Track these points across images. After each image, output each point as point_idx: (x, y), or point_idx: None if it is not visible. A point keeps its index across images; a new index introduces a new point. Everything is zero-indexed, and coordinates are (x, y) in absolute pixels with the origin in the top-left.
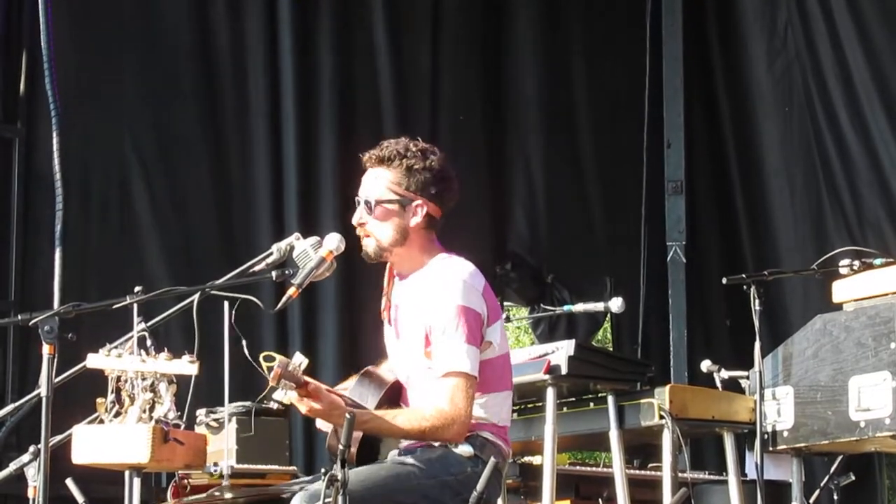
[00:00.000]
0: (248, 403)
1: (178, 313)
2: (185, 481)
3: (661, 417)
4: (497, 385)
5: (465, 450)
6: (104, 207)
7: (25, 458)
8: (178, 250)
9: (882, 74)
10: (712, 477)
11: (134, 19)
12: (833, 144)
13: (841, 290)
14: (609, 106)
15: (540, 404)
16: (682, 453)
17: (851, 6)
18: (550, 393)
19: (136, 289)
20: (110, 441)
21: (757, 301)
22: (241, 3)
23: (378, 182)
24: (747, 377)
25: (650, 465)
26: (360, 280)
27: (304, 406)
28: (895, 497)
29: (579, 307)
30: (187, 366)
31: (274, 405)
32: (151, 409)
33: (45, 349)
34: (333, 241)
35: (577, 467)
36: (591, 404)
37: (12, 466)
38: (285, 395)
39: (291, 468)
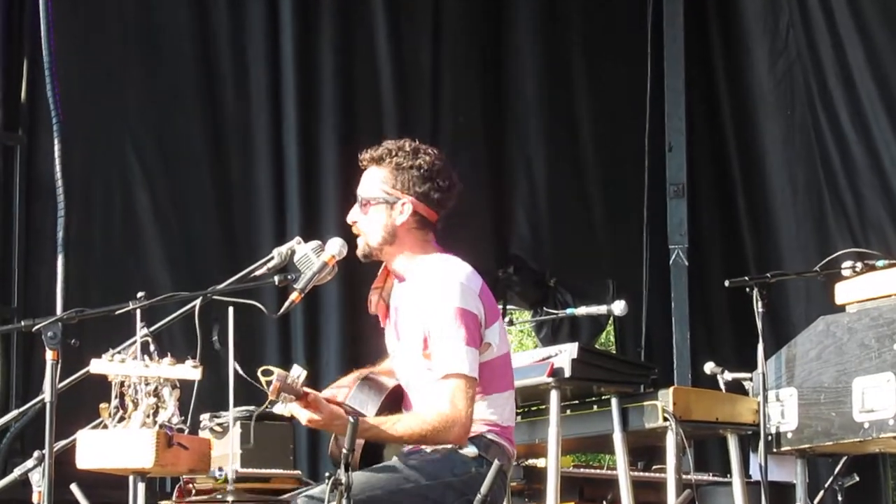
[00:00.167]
0: (251, 408)
1: (180, 318)
2: (190, 486)
3: (665, 419)
4: (499, 385)
5: (469, 450)
6: (106, 214)
7: (30, 463)
8: (181, 255)
9: (883, 75)
10: (716, 479)
11: (134, 25)
12: (835, 146)
13: (844, 292)
14: (611, 108)
15: (543, 407)
16: (685, 455)
17: (853, 7)
18: (554, 396)
19: (139, 294)
20: (114, 446)
21: (760, 303)
22: (243, 7)
23: (370, 181)
24: (751, 379)
25: (654, 467)
26: (362, 283)
27: (303, 418)
28: None
29: (582, 310)
30: (190, 370)
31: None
32: (155, 413)
33: (49, 355)
34: (335, 246)
35: (582, 470)
36: (595, 407)
37: (17, 472)
38: (285, 408)
39: (296, 472)
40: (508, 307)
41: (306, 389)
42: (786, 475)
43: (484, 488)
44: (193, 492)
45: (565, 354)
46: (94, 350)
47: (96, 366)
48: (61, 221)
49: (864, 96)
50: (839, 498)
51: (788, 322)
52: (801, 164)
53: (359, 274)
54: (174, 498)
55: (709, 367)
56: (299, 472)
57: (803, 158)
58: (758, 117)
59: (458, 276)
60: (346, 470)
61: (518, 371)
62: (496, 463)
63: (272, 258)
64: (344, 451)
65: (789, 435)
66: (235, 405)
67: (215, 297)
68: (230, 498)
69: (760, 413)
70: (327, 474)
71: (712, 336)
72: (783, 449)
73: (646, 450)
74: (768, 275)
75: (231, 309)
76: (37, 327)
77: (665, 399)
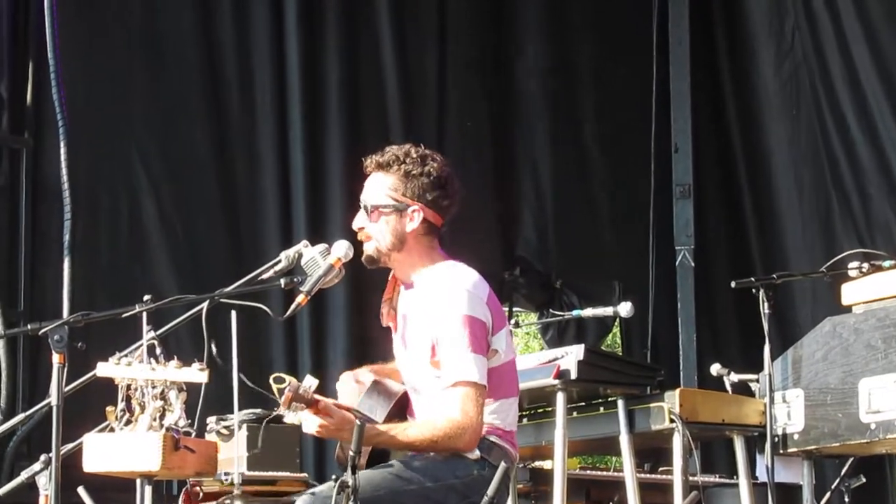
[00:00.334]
0: (258, 411)
1: (187, 321)
2: (197, 489)
3: (672, 421)
4: (505, 391)
5: (471, 453)
6: (112, 217)
7: (37, 466)
8: (187, 259)
9: (889, 76)
10: (723, 480)
11: (140, 30)
12: (841, 147)
13: (850, 293)
14: (616, 110)
15: (550, 409)
16: (692, 457)
17: (859, 9)
18: (560, 398)
19: (145, 297)
20: (121, 449)
21: (766, 304)
22: (248, 13)
23: (376, 187)
24: (757, 380)
25: (661, 468)
26: (368, 286)
27: (313, 425)
28: None
29: (588, 312)
30: (197, 374)
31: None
32: (162, 417)
33: (55, 358)
34: (342, 249)
35: (588, 471)
36: (602, 409)
37: (23, 475)
38: (296, 417)
39: (302, 475)
40: (514, 309)
41: (317, 397)
42: (792, 476)
43: (490, 490)
44: (200, 495)
45: (571, 356)
46: (100, 353)
47: (103, 369)
48: (67, 224)
49: (871, 97)
50: (846, 499)
51: (795, 323)
52: (807, 165)
53: (365, 277)
54: (181, 501)
55: (715, 368)
56: (306, 475)
57: (809, 159)
58: (764, 119)
59: (466, 283)
60: (353, 473)
61: (524, 373)
62: (502, 465)
63: (279, 261)
64: (351, 453)
65: (796, 436)
66: (242, 408)
67: (222, 300)
68: (238, 502)
69: (767, 414)
70: (334, 477)
71: (718, 337)
72: (790, 450)
73: (652, 451)
74: (774, 276)
75: (234, 314)
76: (43, 331)
77: (671, 401)
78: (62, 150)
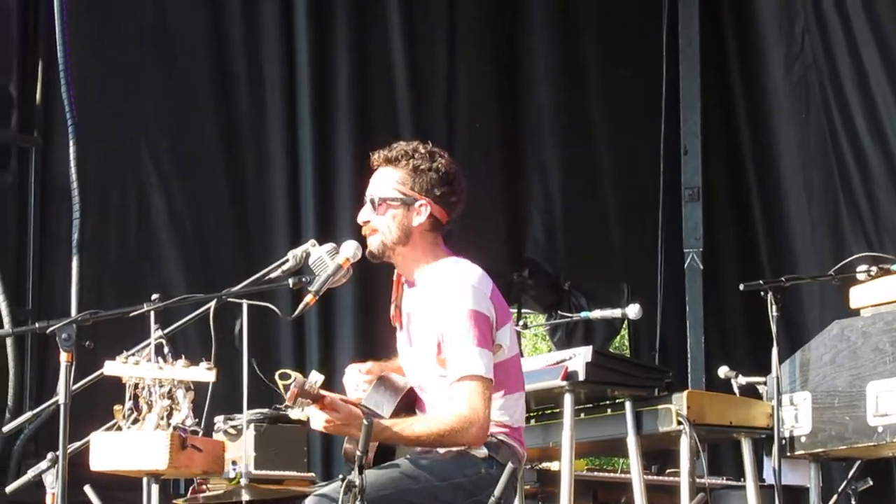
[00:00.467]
0: (265, 410)
1: (195, 320)
2: (204, 487)
3: (679, 423)
4: (511, 387)
5: (479, 451)
6: (121, 216)
7: (44, 465)
8: (195, 258)
9: None
10: (730, 482)
11: (150, 27)
12: (850, 150)
13: (858, 296)
14: (626, 112)
15: (557, 410)
16: (699, 459)
17: (868, 12)
18: (568, 399)
19: (153, 296)
20: (128, 448)
21: (774, 307)
22: (258, 11)
23: (384, 181)
24: (765, 383)
25: (668, 470)
26: (376, 284)
27: (320, 421)
28: None
29: (596, 314)
30: (204, 373)
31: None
32: (169, 415)
33: (63, 357)
34: (350, 249)
35: (595, 473)
36: (609, 410)
37: (31, 473)
38: (302, 412)
39: (310, 474)
40: (523, 311)
41: (323, 392)
42: (799, 479)
43: (498, 490)
44: (207, 493)
45: (579, 358)
46: (108, 352)
47: (110, 368)
48: (76, 223)
49: (880, 100)
50: (853, 502)
51: (803, 326)
52: (816, 168)
53: (373, 276)
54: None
55: (723, 370)
56: (313, 474)
57: (818, 162)
58: (773, 121)
59: (470, 278)
60: (360, 472)
61: (532, 374)
62: (509, 466)
63: (287, 260)
64: (358, 452)
65: (803, 439)
66: (249, 407)
67: (230, 299)
68: (245, 497)
69: (774, 417)
70: (340, 476)
71: (726, 340)
72: (797, 453)
73: (659, 453)
74: (783, 279)
75: (245, 310)
76: (51, 329)
77: (679, 403)
78: (71, 149)
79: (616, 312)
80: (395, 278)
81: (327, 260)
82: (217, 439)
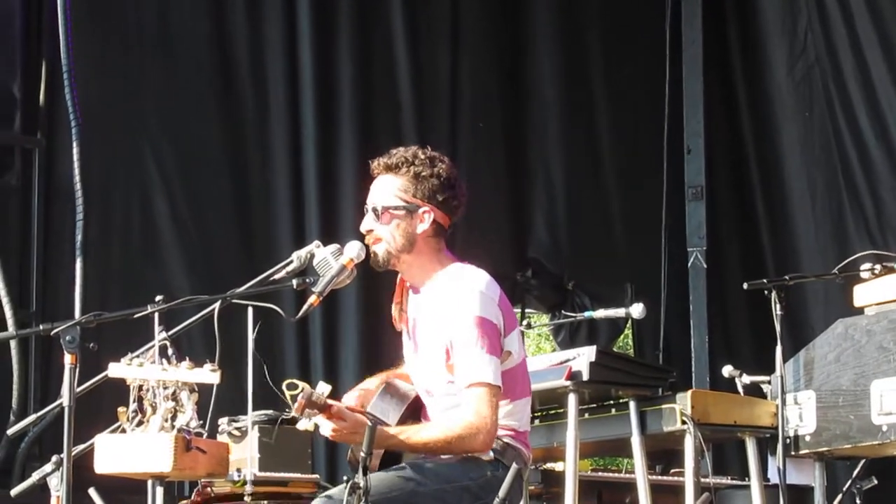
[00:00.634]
0: (270, 412)
1: (199, 322)
2: (209, 489)
3: (683, 423)
4: (519, 393)
5: (486, 454)
6: (125, 217)
7: (48, 467)
8: (199, 259)
9: None
10: (735, 482)
11: (153, 30)
12: (853, 148)
13: (862, 294)
14: (629, 111)
15: (562, 410)
16: (704, 458)
17: (872, 10)
18: (572, 399)
19: (157, 298)
20: (133, 450)
21: (778, 306)
22: (261, 13)
23: (386, 189)
24: (769, 382)
25: (672, 470)
26: (380, 286)
27: (327, 430)
28: None
29: (600, 313)
30: (209, 374)
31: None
32: (173, 417)
33: (67, 359)
34: (354, 249)
35: (600, 473)
36: (613, 410)
37: (35, 476)
38: (309, 423)
39: (314, 476)
40: (527, 310)
41: (329, 402)
42: (804, 478)
43: (502, 492)
44: (211, 495)
45: (583, 358)
46: (112, 354)
47: (115, 370)
48: (80, 225)
49: (883, 99)
50: (857, 501)
51: (807, 325)
52: (819, 167)
53: (377, 277)
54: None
55: (727, 370)
56: (317, 476)
57: (822, 161)
58: (776, 120)
59: (478, 285)
60: (365, 474)
61: (536, 374)
62: (514, 467)
63: (291, 261)
64: (362, 454)
65: (807, 438)
66: (254, 409)
67: (234, 300)
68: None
69: (779, 416)
70: (345, 478)
71: (730, 339)
72: (801, 452)
73: (664, 453)
74: (787, 277)
75: (250, 312)
76: (55, 331)
77: (683, 402)
78: (75, 151)
79: (620, 312)
80: (398, 281)
81: (331, 261)
82: (221, 441)
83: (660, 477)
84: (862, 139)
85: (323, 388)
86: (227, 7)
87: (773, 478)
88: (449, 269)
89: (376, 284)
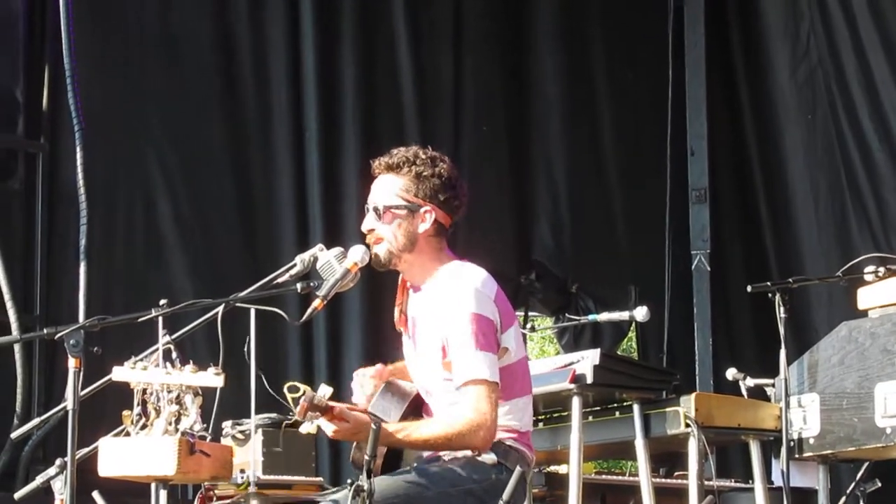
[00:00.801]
0: (274, 415)
1: (202, 326)
2: (212, 493)
3: (687, 426)
4: (518, 391)
5: (488, 457)
6: (129, 221)
7: (52, 471)
8: (203, 263)
9: None
10: (738, 485)
11: (156, 34)
12: (856, 150)
13: (866, 297)
14: (632, 114)
15: (565, 413)
16: (708, 461)
17: (874, 12)
18: (576, 402)
19: (161, 302)
20: (136, 453)
21: (782, 308)
22: (264, 16)
23: (387, 188)
24: (773, 385)
25: (676, 473)
26: (384, 289)
27: (330, 430)
28: None
29: (604, 316)
30: (213, 378)
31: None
32: (177, 421)
33: (71, 363)
34: (358, 253)
35: (604, 476)
36: (617, 413)
37: (39, 480)
38: (312, 426)
39: (318, 479)
40: (530, 313)
41: (331, 403)
42: (808, 481)
43: (506, 495)
44: (215, 499)
45: (587, 361)
46: (116, 358)
47: (119, 373)
48: (83, 229)
49: (886, 101)
50: None
51: (811, 327)
52: (822, 169)
53: (381, 281)
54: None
55: (731, 372)
56: (321, 479)
57: (825, 163)
58: (779, 122)
59: (474, 281)
60: (369, 476)
61: (540, 377)
62: (518, 470)
63: (295, 265)
64: (366, 457)
65: (811, 441)
66: (257, 413)
67: (238, 304)
68: (253, 502)
69: (783, 419)
70: (349, 481)
71: (734, 342)
72: (805, 455)
73: (668, 456)
74: (790, 280)
75: (253, 315)
76: (59, 335)
77: (687, 405)
78: (78, 155)
79: (624, 315)
80: (399, 283)
81: (335, 264)
82: (225, 444)
83: (663, 480)
84: (865, 141)
85: (324, 391)
86: (229, 8)
87: (777, 481)
88: (447, 266)
89: (380, 287)
